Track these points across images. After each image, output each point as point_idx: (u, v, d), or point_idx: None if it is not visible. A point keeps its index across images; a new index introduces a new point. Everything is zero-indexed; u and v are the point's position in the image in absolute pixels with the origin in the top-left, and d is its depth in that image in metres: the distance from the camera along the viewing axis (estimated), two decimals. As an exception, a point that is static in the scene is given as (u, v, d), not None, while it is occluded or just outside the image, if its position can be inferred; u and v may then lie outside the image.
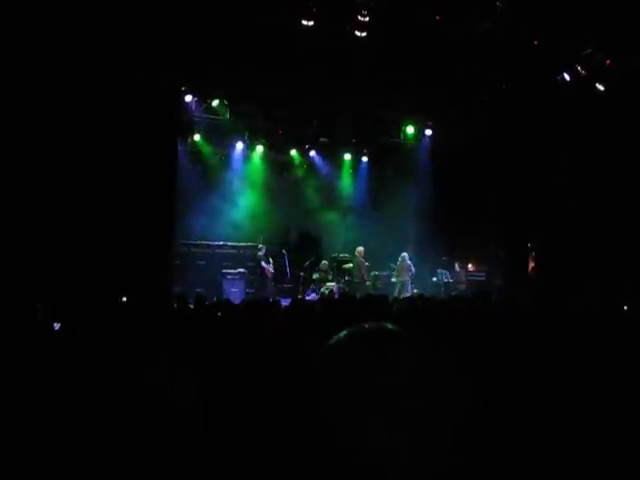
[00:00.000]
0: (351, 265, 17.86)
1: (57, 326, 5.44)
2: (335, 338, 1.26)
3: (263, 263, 17.30)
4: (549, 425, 2.85)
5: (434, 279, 18.59)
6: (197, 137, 17.54)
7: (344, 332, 1.26)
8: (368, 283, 17.64)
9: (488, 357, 4.05)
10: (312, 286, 17.52)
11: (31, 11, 11.51)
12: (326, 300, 11.16)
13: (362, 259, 17.49)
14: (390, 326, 1.28)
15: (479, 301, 9.33)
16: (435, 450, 1.15)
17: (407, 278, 17.29)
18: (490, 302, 9.62)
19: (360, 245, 17.68)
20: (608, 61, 14.88)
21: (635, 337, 4.84)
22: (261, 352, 4.33)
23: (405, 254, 17.43)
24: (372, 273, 18.29)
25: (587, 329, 5.73)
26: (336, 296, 15.40)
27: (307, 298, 14.55)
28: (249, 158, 18.90)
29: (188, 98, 16.32)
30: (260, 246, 17.57)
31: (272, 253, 17.95)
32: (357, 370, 1.18)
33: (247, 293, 16.53)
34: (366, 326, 1.27)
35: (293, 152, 19.36)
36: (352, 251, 17.91)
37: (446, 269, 18.60)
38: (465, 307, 8.13)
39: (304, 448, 1.19)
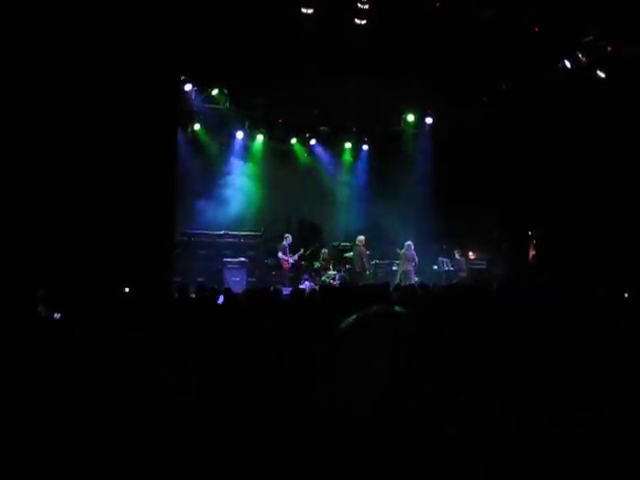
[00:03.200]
0: (352, 254, 17.86)
1: (57, 316, 5.47)
2: (345, 322, 1.27)
3: (280, 254, 17.19)
4: (551, 413, 2.85)
5: (435, 267, 18.60)
6: (197, 126, 17.53)
7: (353, 316, 1.27)
8: (369, 272, 17.64)
9: (490, 342, 4.05)
10: (305, 275, 17.50)
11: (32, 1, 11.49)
12: (324, 288, 11.18)
13: (363, 248, 17.47)
14: (398, 309, 1.30)
15: (480, 288, 9.34)
16: (445, 434, 1.16)
17: (410, 268, 17.23)
18: (491, 290, 9.62)
19: (361, 234, 17.67)
20: (609, 48, 14.82)
21: (636, 323, 4.84)
22: (263, 341, 4.34)
23: (410, 243, 17.35)
24: (373, 262, 18.29)
25: (588, 315, 5.73)
26: (337, 284, 15.43)
27: (301, 286, 14.56)
28: (249, 147, 18.89)
29: (188, 87, 16.28)
30: (286, 235, 17.50)
31: (275, 243, 17.96)
32: (368, 353, 1.19)
33: (249, 282, 16.54)
34: (375, 309, 1.28)
35: (293, 141, 19.36)
36: (353, 239, 17.91)
37: (447, 257, 18.61)
38: (466, 294, 8.14)
39: (314, 436, 1.20)
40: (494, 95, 17.16)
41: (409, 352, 1.18)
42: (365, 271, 17.42)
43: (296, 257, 17.46)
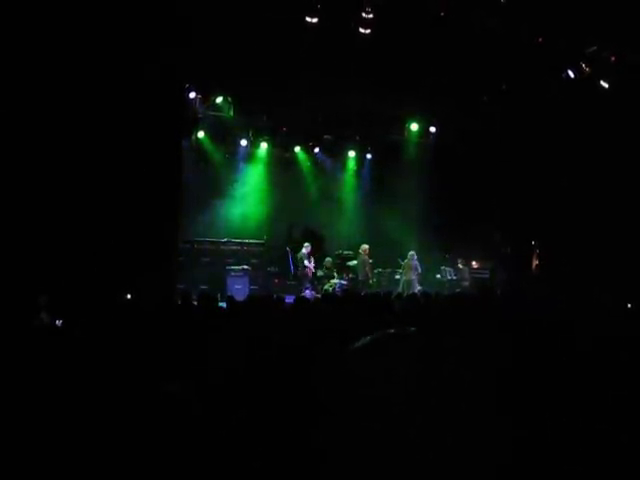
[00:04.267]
0: (355, 262, 17.84)
1: (59, 323, 5.47)
2: (360, 342, 1.26)
3: (306, 262, 17.22)
4: (557, 421, 2.84)
5: (438, 276, 18.58)
6: (201, 134, 17.55)
7: (369, 337, 1.27)
8: (372, 281, 17.60)
9: (493, 352, 4.04)
10: (308, 283, 17.47)
11: (37, 9, 11.52)
12: (326, 297, 11.14)
13: (366, 257, 17.43)
14: (414, 330, 1.30)
15: (482, 298, 9.33)
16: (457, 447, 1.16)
17: (414, 277, 17.22)
18: (493, 299, 9.61)
19: (364, 242, 17.64)
20: (612, 58, 14.84)
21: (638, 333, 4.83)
22: (265, 347, 4.33)
23: (413, 252, 17.36)
24: (376, 270, 18.26)
25: (591, 325, 5.72)
26: (338, 293, 15.38)
27: (302, 295, 14.55)
28: (253, 155, 18.92)
29: (192, 95, 16.32)
30: (306, 244, 17.51)
31: (278, 251, 17.98)
32: (384, 373, 1.19)
33: (251, 290, 16.52)
34: (392, 331, 1.28)
35: (297, 149, 19.38)
36: (356, 248, 17.88)
37: (450, 266, 18.59)
38: (468, 303, 8.13)
39: (326, 448, 1.20)
40: (497, 104, 17.15)
41: (427, 371, 1.18)
42: (368, 280, 17.39)
43: (313, 264, 17.52)
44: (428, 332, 1.27)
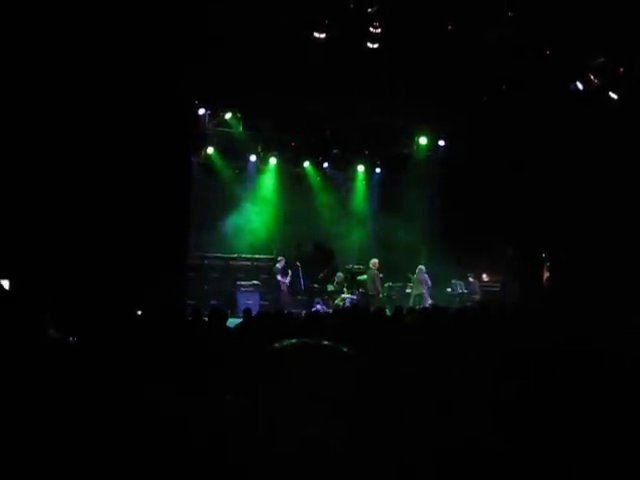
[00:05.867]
0: (365, 277, 17.83)
1: (73, 340, 5.48)
2: (278, 345, 1.31)
3: (279, 276, 17.24)
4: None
5: (448, 290, 18.52)
6: (210, 150, 17.59)
7: (288, 341, 1.32)
8: (382, 296, 17.57)
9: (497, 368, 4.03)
10: (317, 298, 17.47)
11: (50, 32, 11.65)
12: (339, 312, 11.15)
13: (376, 271, 17.42)
14: (328, 343, 1.35)
15: (479, 313, 9.31)
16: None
17: (424, 291, 17.23)
18: (491, 313, 9.57)
19: (374, 256, 17.64)
20: (621, 69, 14.83)
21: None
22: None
23: (422, 267, 17.39)
24: (386, 284, 18.24)
25: (602, 337, 5.69)
26: (348, 308, 15.36)
27: (313, 310, 14.57)
28: (262, 171, 18.95)
29: (201, 111, 16.41)
30: (280, 258, 17.54)
31: (288, 266, 18.00)
32: (294, 377, 1.24)
33: (261, 305, 16.52)
34: (308, 341, 1.34)
35: (306, 164, 19.39)
36: (366, 262, 17.88)
37: (460, 280, 18.54)
38: (476, 317, 8.11)
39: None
40: (506, 117, 17.12)
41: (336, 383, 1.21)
42: (379, 294, 17.36)
43: (289, 278, 17.50)
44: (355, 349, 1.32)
